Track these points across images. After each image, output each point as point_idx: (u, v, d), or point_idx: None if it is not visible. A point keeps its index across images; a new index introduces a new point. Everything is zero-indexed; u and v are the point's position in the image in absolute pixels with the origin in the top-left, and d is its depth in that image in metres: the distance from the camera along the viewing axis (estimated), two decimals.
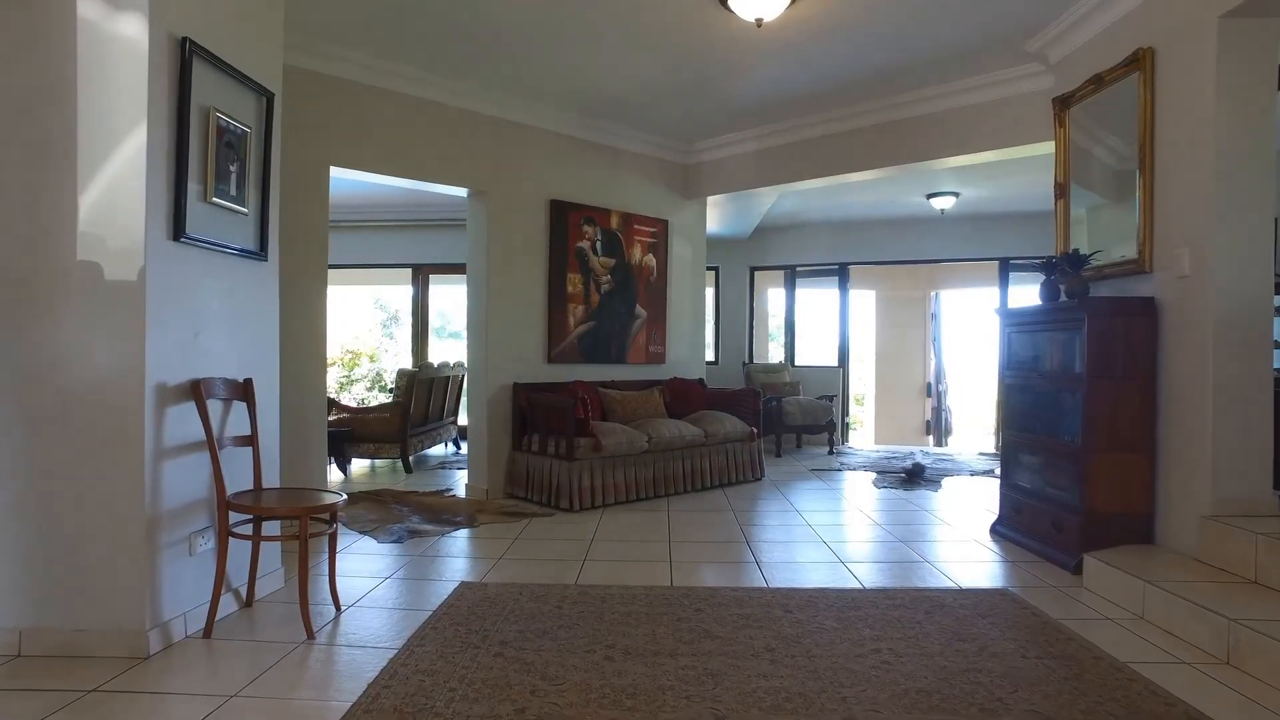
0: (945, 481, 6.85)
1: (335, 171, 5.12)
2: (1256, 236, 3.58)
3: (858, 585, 3.68)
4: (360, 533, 4.63)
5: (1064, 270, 4.24)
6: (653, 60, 5.16)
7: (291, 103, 4.28)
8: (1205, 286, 3.57)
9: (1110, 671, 2.65)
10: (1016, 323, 4.61)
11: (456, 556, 4.23)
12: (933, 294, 12.58)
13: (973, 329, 12.70)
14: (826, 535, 4.77)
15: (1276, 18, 3.57)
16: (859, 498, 6.11)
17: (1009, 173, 7.24)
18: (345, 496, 3.30)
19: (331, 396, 7.66)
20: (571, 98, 5.94)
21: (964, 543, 4.58)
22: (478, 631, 2.95)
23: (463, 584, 3.61)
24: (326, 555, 3.36)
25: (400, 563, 4.05)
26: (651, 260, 7.16)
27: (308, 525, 2.98)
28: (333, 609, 3.26)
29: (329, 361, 11.30)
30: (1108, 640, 2.96)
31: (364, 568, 3.93)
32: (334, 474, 6.87)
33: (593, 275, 6.62)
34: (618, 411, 6.24)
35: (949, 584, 3.72)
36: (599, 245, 6.67)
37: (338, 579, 3.39)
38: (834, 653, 2.76)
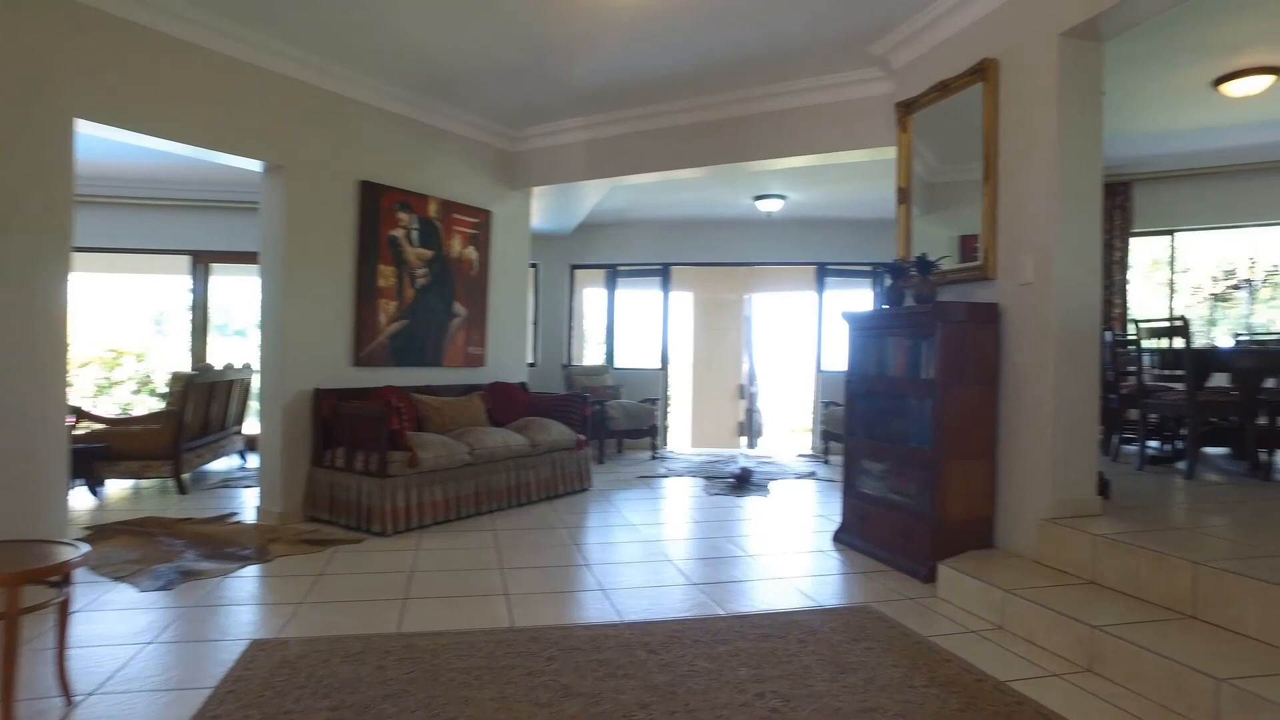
0: (773, 486, 6.82)
1: (85, 129, 4.09)
2: (1089, 246, 3.68)
3: (718, 612, 3.38)
4: (114, 579, 3.69)
5: (911, 275, 4.20)
6: (485, 28, 4.61)
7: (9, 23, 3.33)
8: (1048, 293, 3.61)
9: (995, 694, 2.50)
10: (863, 327, 4.54)
11: (245, 604, 3.46)
12: (747, 297, 12.83)
13: (784, 332, 13.10)
14: (670, 551, 4.47)
15: (1104, 42, 3.69)
16: (693, 506, 5.89)
17: (840, 178, 7.35)
18: (85, 549, 2.43)
19: (79, 405, 6.36)
20: (391, 65, 5.24)
21: (810, 554, 4.44)
22: (277, 717, 2.31)
23: (254, 644, 2.88)
24: (55, 626, 2.46)
25: (169, 618, 3.22)
26: (473, 253, 6.56)
27: (18, 599, 2.16)
28: (61, 703, 2.40)
29: (82, 363, 9.60)
30: (981, 657, 2.84)
31: (116, 630, 3.06)
32: (82, 500, 5.66)
33: (408, 268, 5.93)
34: (435, 420, 5.60)
35: (809, 603, 3.51)
36: (415, 234, 5.99)
37: (73, 653, 2.59)
38: (716, 703, 2.41)
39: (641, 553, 4.43)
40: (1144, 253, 9.20)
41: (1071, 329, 3.60)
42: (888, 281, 4.41)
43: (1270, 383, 5.16)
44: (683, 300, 12.64)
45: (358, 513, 4.84)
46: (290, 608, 3.35)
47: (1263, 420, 5.00)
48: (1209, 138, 7.70)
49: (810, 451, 9.44)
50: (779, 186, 7.75)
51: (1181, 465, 5.11)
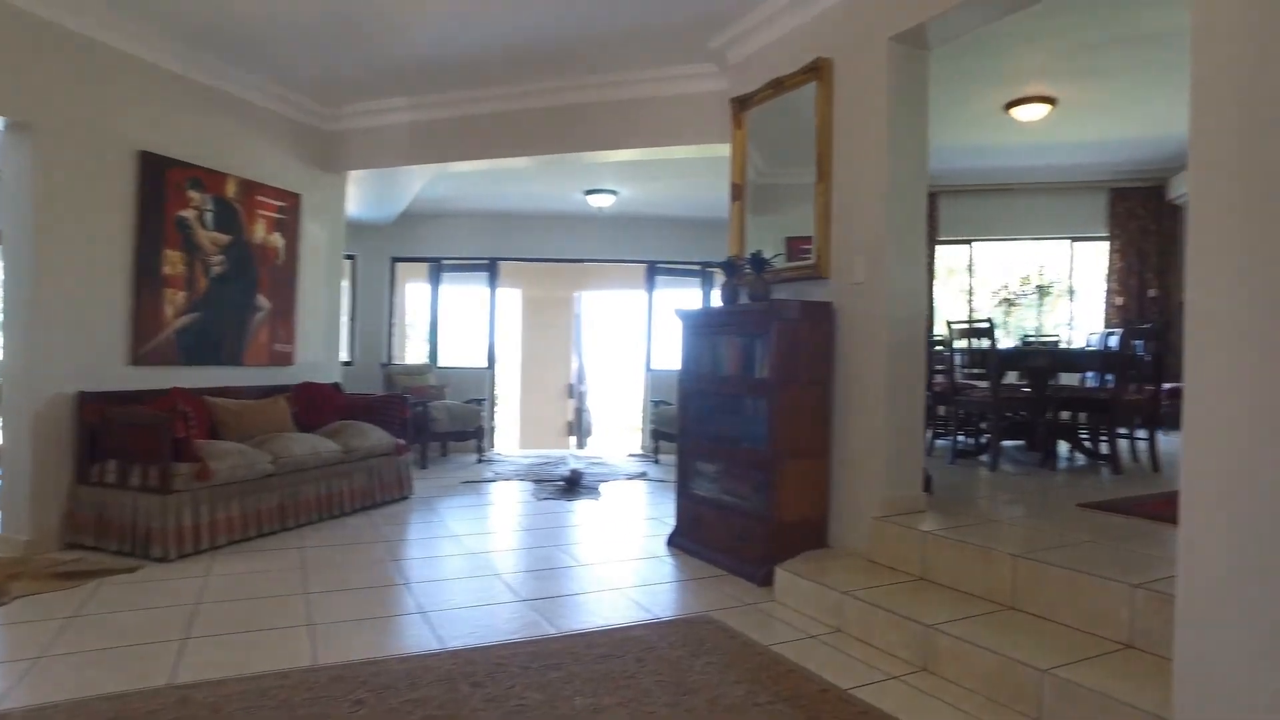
0: (604, 488, 6.65)
1: None
2: (917, 247, 3.76)
3: (549, 631, 3.13)
4: None
5: (746, 272, 4.14)
6: None
7: None
8: (879, 292, 3.65)
9: (841, 705, 2.43)
10: (697, 325, 4.45)
11: None
12: (577, 294, 12.66)
13: (614, 330, 13.04)
14: (498, 564, 4.17)
15: (930, 50, 3.80)
16: (522, 513, 5.60)
17: (672, 174, 7.29)
18: None
19: None
20: (181, 18, 4.55)
21: (645, 560, 4.28)
22: None
23: None
24: None
25: None
26: (279, 241, 5.92)
27: None
28: None
29: None
30: (824, 664, 2.78)
31: None
32: None
33: (200, 253, 5.23)
34: (232, 426, 4.96)
35: (646, 615, 3.34)
36: (210, 216, 5.29)
37: None
38: None
39: (466, 567, 4.10)
40: (943, 261, 9.89)
41: (901, 328, 3.67)
42: (722, 279, 4.34)
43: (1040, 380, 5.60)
44: (511, 297, 12.29)
45: (134, 536, 4.16)
46: (23, 664, 2.72)
47: (1050, 415, 5.41)
48: (1002, 156, 8.36)
49: (641, 451, 9.39)
50: (611, 181, 7.60)
51: (985, 458, 5.43)
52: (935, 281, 9.22)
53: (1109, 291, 8.90)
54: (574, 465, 7.68)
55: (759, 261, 4.04)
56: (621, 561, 4.25)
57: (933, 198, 9.02)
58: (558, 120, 5.70)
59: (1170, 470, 5.27)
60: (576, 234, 9.57)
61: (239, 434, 4.94)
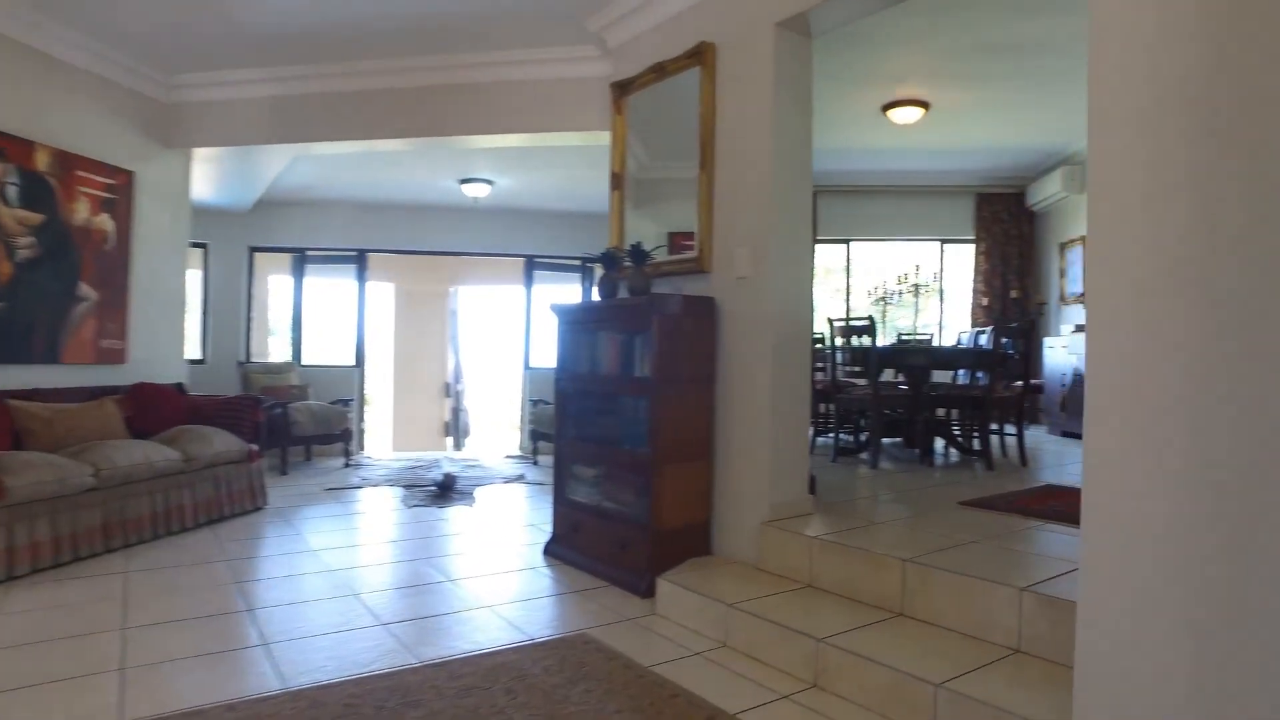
0: (479, 493, 6.31)
1: None
2: (802, 241, 3.65)
3: (410, 661, 2.80)
4: None
5: (625, 265, 3.93)
6: None
7: None
8: (763, 287, 3.51)
9: None
10: (574, 321, 4.20)
11: None
12: (453, 289, 12.14)
13: (493, 327, 12.59)
14: (357, 582, 3.78)
15: (814, 38, 3.69)
16: (388, 523, 5.19)
17: (550, 164, 7.01)
18: None
19: None
20: None
21: (520, 573, 4.00)
22: None
23: None
24: None
25: None
26: (107, 223, 5.26)
27: None
28: None
29: None
30: (710, 686, 2.59)
31: None
32: None
33: (2, 234, 4.54)
34: (41, 435, 4.33)
35: (519, 636, 3.07)
36: (14, 191, 4.61)
37: None
38: None
39: (322, 587, 3.69)
40: (821, 260, 10.04)
41: (787, 325, 3.54)
42: (601, 272, 4.11)
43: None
44: (384, 291, 11.67)
45: None
46: None
47: (928, 413, 5.48)
48: (879, 159, 8.53)
49: (519, 452, 9.06)
50: (486, 170, 7.24)
51: (866, 456, 5.44)
52: (815, 280, 9.34)
53: (975, 292, 9.26)
54: (447, 469, 7.27)
55: (639, 254, 3.83)
56: (495, 575, 3.95)
57: (812, 197, 9.12)
58: (431, 101, 5.33)
59: (1035, 464, 5.44)
60: (453, 226, 9.13)
61: (51, 443, 4.31)
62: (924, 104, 6.89)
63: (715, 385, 3.73)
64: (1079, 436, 7.31)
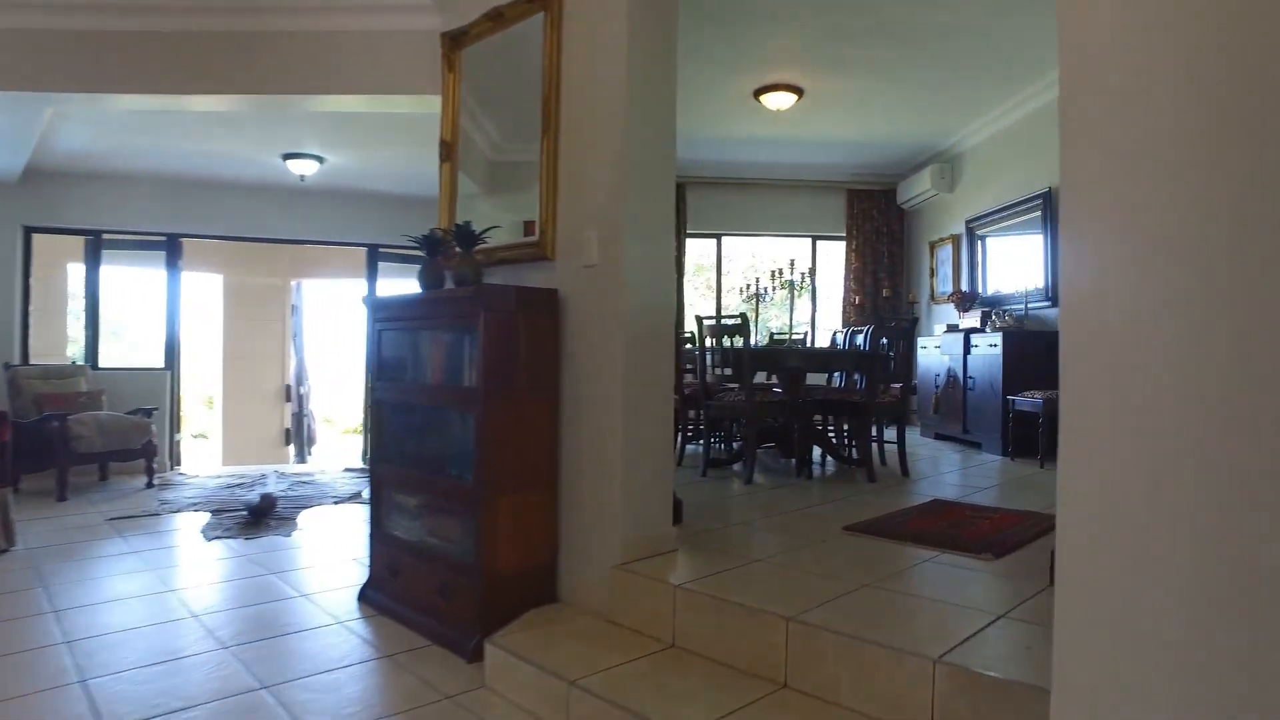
0: (304, 517, 5.40)
1: None
2: (663, 225, 3.05)
3: None
4: None
5: (452, 250, 3.22)
6: None
7: None
8: (616, 278, 2.89)
9: None
10: (390, 318, 3.45)
11: None
12: (295, 283, 10.95)
13: (339, 324, 11.48)
14: (95, 659, 2.88)
15: None
16: (177, 566, 4.24)
17: (386, 137, 6.16)
18: None
19: None
20: None
21: (323, 630, 3.20)
22: None
23: None
24: None
25: None
26: None
27: None
28: None
29: None
30: None
31: None
32: None
33: None
34: None
35: None
36: None
37: None
38: None
39: (44, 671, 2.78)
40: (692, 256, 9.59)
41: (644, 322, 2.93)
42: (425, 259, 3.37)
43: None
44: (209, 284, 10.39)
45: None
46: None
47: (804, 420, 5.04)
48: (751, 150, 8.14)
49: (361, 465, 8.11)
50: (314, 144, 6.31)
51: (739, 468, 4.95)
52: (685, 277, 8.86)
53: (848, 290, 9.05)
54: (269, 489, 6.28)
55: (466, 235, 3.12)
56: (289, 635, 3.14)
57: (681, 189, 8.64)
58: (240, 50, 4.45)
59: (916, 473, 5.10)
60: (285, 210, 8.06)
61: None
62: (798, 90, 6.50)
63: (560, 397, 3.08)
64: (952, 439, 7.16)
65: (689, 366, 5.57)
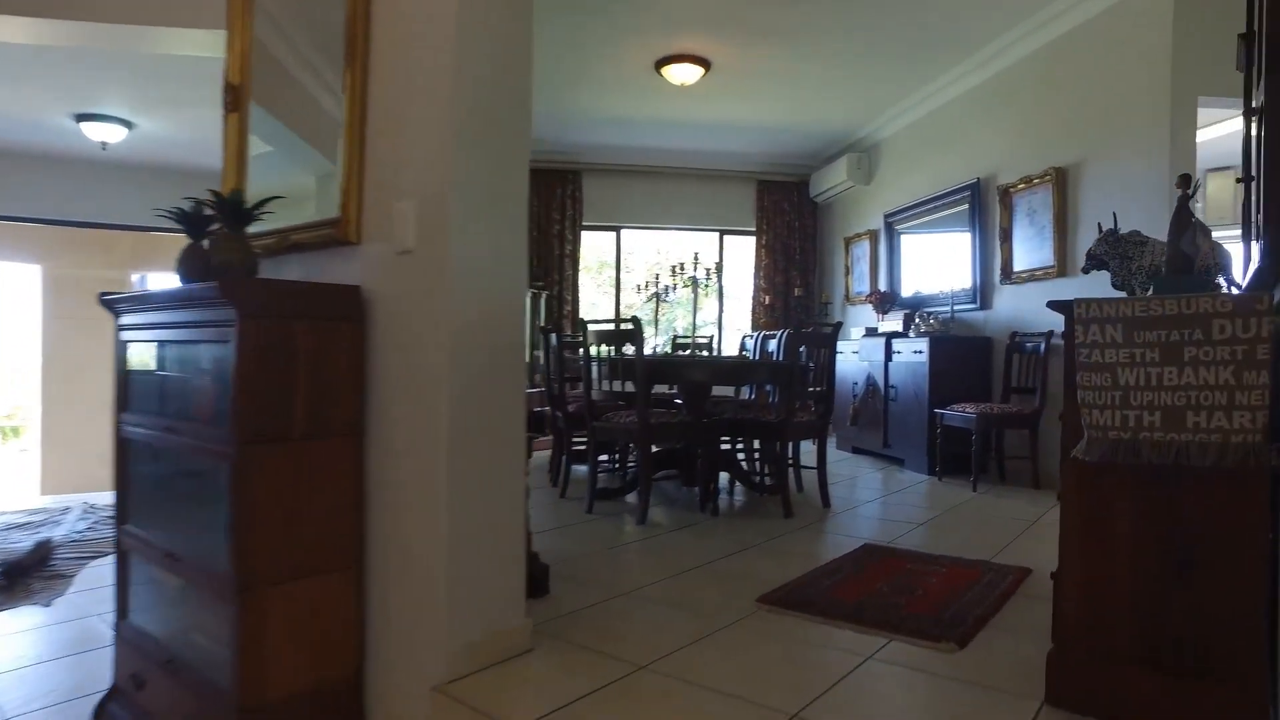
0: (87, 573, 4.26)
1: None
2: (510, 197, 2.18)
3: None
4: None
5: (217, 228, 2.27)
6: None
7: None
8: (441, 269, 2.00)
9: None
10: (138, 325, 2.47)
11: None
12: (137, 276, 9.52)
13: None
14: None
15: None
16: None
17: (200, 96, 5.02)
18: None
19: None
20: None
21: None
22: None
23: None
24: None
25: None
26: None
27: None
28: None
29: None
30: None
31: None
32: None
33: None
34: None
35: None
36: None
37: None
38: None
39: None
40: (592, 252, 8.76)
41: (481, 335, 2.06)
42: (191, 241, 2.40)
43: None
44: (25, 275, 8.92)
45: None
46: None
47: (710, 444, 4.27)
48: (653, 134, 7.39)
49: None
50: (115, 105, 5.15)
51: (632, 499, 4.14)
52: (582, 274, 8.00)
53: (757, 289, 8.38)
54: (59, 531, 5.09)
55: (235, 209, 2.17)
56: None
57: (577, 176, 7.80)
58: None
59: (837, 501, 4.40)
60: (112, 189, 6.81)
61: None
62: (704, 62, 5.75)
63: (366, 437, 2.17)
64: (872, 453, 6.49)
65: (577, 380, 4.73)
